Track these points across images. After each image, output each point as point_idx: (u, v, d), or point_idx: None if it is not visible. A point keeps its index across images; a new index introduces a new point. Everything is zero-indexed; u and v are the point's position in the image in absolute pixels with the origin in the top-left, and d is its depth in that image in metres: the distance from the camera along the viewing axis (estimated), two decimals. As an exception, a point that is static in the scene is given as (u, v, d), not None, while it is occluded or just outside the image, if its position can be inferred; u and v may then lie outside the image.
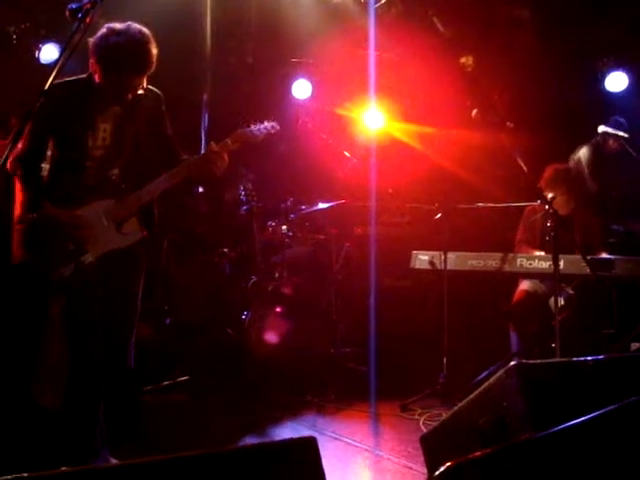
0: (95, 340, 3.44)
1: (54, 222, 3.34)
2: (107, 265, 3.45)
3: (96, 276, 3.42)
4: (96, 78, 3.36)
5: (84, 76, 3.45)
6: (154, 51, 3.36)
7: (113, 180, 3.49)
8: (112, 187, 3.49)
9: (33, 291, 4.26)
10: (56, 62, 2.48)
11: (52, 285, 3.43)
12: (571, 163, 6.58)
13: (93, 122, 3.43)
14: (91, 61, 3.34)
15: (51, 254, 3.35)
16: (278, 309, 5.75)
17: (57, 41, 5.96)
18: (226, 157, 3.58)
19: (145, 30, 3.37)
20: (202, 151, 5.70)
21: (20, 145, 3.33)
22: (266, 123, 3.85)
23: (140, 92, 3.46)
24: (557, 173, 5.44)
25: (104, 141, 3.45)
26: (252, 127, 3.81)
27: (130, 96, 3.42)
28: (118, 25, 3.33)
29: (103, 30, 3.28)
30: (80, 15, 2.51)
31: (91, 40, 3.29)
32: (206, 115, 5.76)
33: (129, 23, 3.35)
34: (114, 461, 3.58)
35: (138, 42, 3.31)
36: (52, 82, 2.52)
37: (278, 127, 3.88)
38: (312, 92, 7.42)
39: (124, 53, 3.27)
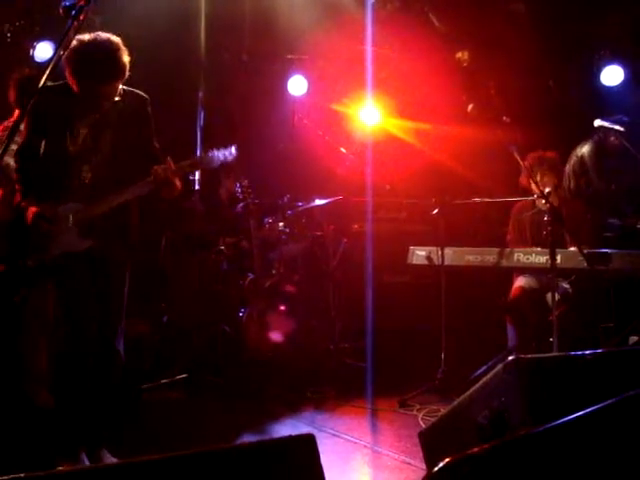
0: (88, 334, 3.51)
1: (32, 215, 3.46)
2: (92, 266, 3.57)
3: (83, 275, 3.55)
4: (73, 88, 3.47)
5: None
6: (124, 58, 3.43)
7: (86, 184, 3.57)
8: (84, 190, 3.56)
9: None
10: (50, 60, 2.47)
11: (19, 273, 3.61)
12: (574, 159, 6.58)
13: (73, 126, 3.53)
14: (66, 73, 3.43)
15: (22, 244, 3.53)
16: (276, 306, 5.75)
17: (52, 39, 5.94)
18: (178, 182, 3.60)
19: (114, 38, 3.43)
20: (198, 149, 5.73)
21: (20, 139, 3.57)
22: (224, 150, 3.86)
23: (117, 99, 3.54)
24: (544, 158, 5.42)
25: (81, 146, 3.53)
26: (210, 153, 3.84)
27: (106, 103, 3.51)
28: (87, 36, 3.39)
29: (73, 42, 3.30)
30: (74, 13, 2.49)
31: (64, 53, 3.31)
32: (201, 112, 5.74)
33: (98, 33, 3.42)
34: (114, 460, 3.58)
35: (106, 51, 3.38)
36: (46, 80, 2.51)
37: (235, 154, 3.89)
38: (308, 88, 7.41)
39: (93, 63, 3.36)
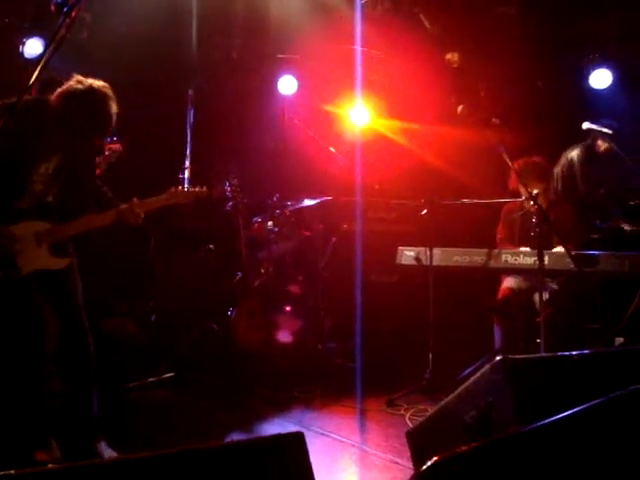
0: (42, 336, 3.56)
1: None
2: (45, 282, 3.61)
3: (37, 288, 3.58)
4: (55, 120, 3.50)
5: (43, 100, 3.55)
6: (113, 113, 3.52)
7: (49, 205, 3.64)
8: (48, 211, 3.63)
9: None
10: (41, 57, 2.46)
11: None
12: (563, 162, 6.62)
13: (45, 154, 3.56)
14: (56, 103, 3.47)
15: None
16: (264, 305, 5.75)
17: (41, 35, 5.91)
18: (142, 215, 3.81)
19: (109, 92, 3.50)
20: (188, 147, 5.73)
21: None
22: (197, 188, 4.15)
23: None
24: (535, 165, 5.44)
25: (47, 171, 3.57)
26: (184, 189, 4.13)
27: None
28: (81, 87, 3.46)
29: (71, 85, 3.44)
30: (66, 9, 2.48)
31: (59, 90, 3.47)
32: (191, 111, 5.73)
33: (92, 87, 3.48)
34: (111, 451, 3.60)
35: (100, 112, 3.49)
36: (36, 78, 2.49)
37: (206, 192, 4.16)
38: (298, 88, 7.41)
39: (87, 122, 3.48)
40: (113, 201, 3.83)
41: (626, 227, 6.35)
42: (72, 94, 3.45)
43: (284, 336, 5.74)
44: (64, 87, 3.47)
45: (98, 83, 3.51)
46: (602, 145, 6.57)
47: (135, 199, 3.81)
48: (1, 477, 1.54)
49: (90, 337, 3.74)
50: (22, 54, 5.94)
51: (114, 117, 3.52)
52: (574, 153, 6.67)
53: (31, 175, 3.52)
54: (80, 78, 3.49)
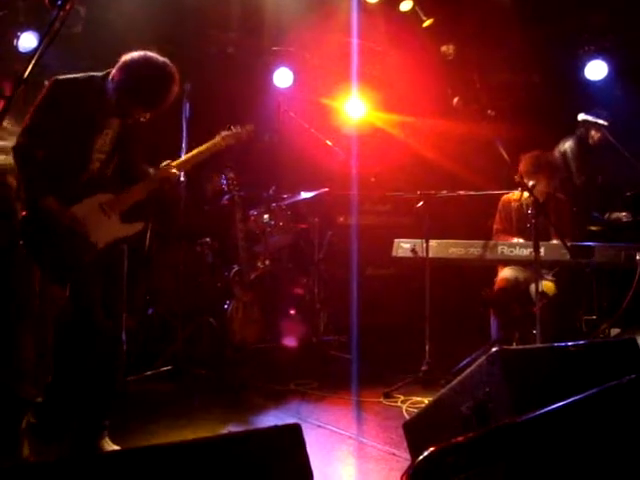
0: (98, 324, 3.51)
1: (58, 219, 3.40)
2: (106, 253, 3.56)
3: (96, 262, 3.53)
4: (111, 90, 3.45)
5: (99, 75, 3.52)
6: (175, 91, 3.50)
7: (109, 177, 3.61)
8: (109, 183, 3.60)
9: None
10: (35, 50, 2.45)
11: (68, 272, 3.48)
12: (556, 154, 6.63)
13: (102, 127, 3.52)
14: (116, 75, 3.43)
15: (67, 247, 3.42)
16: (261, 298, 5.76)
17: (36, 29, 5.89)
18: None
19: (176, 72, 3.48)
20: (183, 141, 5.72)
21: (22, 135, 3.42)
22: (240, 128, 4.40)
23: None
24: (536, 161, 5.45)
25: (103, 147, 3.54)
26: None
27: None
28: (159, 59, 3.45)
29: (140, 55, 3.41)
30: (60, 3, 2.47)
31: (125, 58, 3.42)
32: (187, 105, 5.72)
33: (166, 61, 3.48)
34: (115, 447, 3.60)
35: (162, 86, 3.45)
36: (30, 72, 2.49)
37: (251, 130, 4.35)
38: (294, 81, 7.41)
39: (145, 90, 3.42)
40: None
41: (624, 218, 6.37)
42: (135, 61, 3.41)
43: (286, 338, 5.77)
44: (127, 57, 3.44)
45: (163, 58, 3.50)
46: (595, 135, 6.58)
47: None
48: (6, 469, 1.55)
49: (122, 334, 3.71)
50: (17, 48, 5.92)
51: (173, 88, 3.48)
52: (567, 145, 6.68)
53: (90, 151, 3.48)
54: (147, 53, 3.47)
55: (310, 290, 6.28)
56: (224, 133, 4.33)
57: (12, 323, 4.68)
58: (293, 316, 6.08)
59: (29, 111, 3.47)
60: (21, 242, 3.49)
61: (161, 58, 3.48)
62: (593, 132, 6.58)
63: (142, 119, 3.58)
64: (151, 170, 3.80)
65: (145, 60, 3.43)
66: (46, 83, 3.48)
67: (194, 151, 4.06)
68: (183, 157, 4.08)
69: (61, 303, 3.70)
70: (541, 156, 5.44)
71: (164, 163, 3.85)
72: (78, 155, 3.47)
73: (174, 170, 3.84)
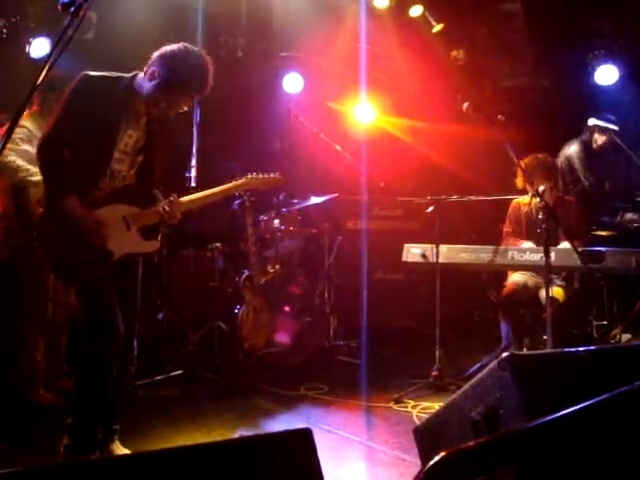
0: (118, 332, 3.47)
1: (81, 220, 3.37)
2: (120, 265, 3.53)
3: (110, 273, 3.49)
4: (151, 87, 3.42)
5: (127, 76, 3.50)
6: (206, 76, 3.50)
7: (131, 188, 3.56)
8: (132, 195, 3.56)
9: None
10: (48, 57, 2.47)
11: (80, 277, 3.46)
12: (561, 158, 6.62)
13: (127, 127, 3.48)
14: (158, 70, 3.40)
15: (81, 249, 3.39)
16: (271, 303, 5.76)
17: (48, 35, 5.92)
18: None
19: (207, 60, 3.50)
20: (194, 146, 5.75)
21: (49, 129, 3.39)
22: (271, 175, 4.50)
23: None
24: (541, 163, 5.44)
25: (125, 147, 3.50)
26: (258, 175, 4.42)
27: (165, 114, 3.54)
28: (195, 48, 3.49)
29: (179, 47, 3.41)
30: (72, 9, 2.49)
31: (164, 53, 3.41)
32: (197, 110, 5.75)
33: (201, 51, 3.51)
34: (125, 450, 3.61)
35: (208, 71, 3.47)
36: (44, 77, 2.50)
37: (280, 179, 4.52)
38: (304, 86, 7.42)
39: (196, 78, 3.43)
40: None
41: (635, 223, 6.34)
42: (178, 52, 3.41)
43: (286, 338, 5.76)
44: (165, 51, 3.42)
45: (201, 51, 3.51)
46: (599, 139, 6.56)
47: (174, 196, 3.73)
48: (10, 474, 1.56)
49: (135, 342, 3.70)
50: (29, 54, 5.95)
51: (207, 80, 3.48)
52: (571, 149, 6.66)
53: (112, 150, 3.42)
54: (183, 43, 3.47)
55: (320, 295, 6.29)
56: (251, 175, 4.37)
57: (22, 326, 4.71)
58: (303, 321, 6.07)
59: (55, 108, 3.47)
60: (35, 234, 3.48)
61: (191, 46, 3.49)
62: (597, 136, 6.56)
63: (182, 109, 3.54)
64: (160, 198, 3.71)
65: (187, 50, 3.43)
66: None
67: (209, 191, 3.98)
68: (195, 196, 3.95)
69: (75, 309, 3.68)
70: (534, 159, 5.43)
71: (171, 198, 3.71)
72: (100, 154, 3.42)
73: (178, 215, 3.72)
